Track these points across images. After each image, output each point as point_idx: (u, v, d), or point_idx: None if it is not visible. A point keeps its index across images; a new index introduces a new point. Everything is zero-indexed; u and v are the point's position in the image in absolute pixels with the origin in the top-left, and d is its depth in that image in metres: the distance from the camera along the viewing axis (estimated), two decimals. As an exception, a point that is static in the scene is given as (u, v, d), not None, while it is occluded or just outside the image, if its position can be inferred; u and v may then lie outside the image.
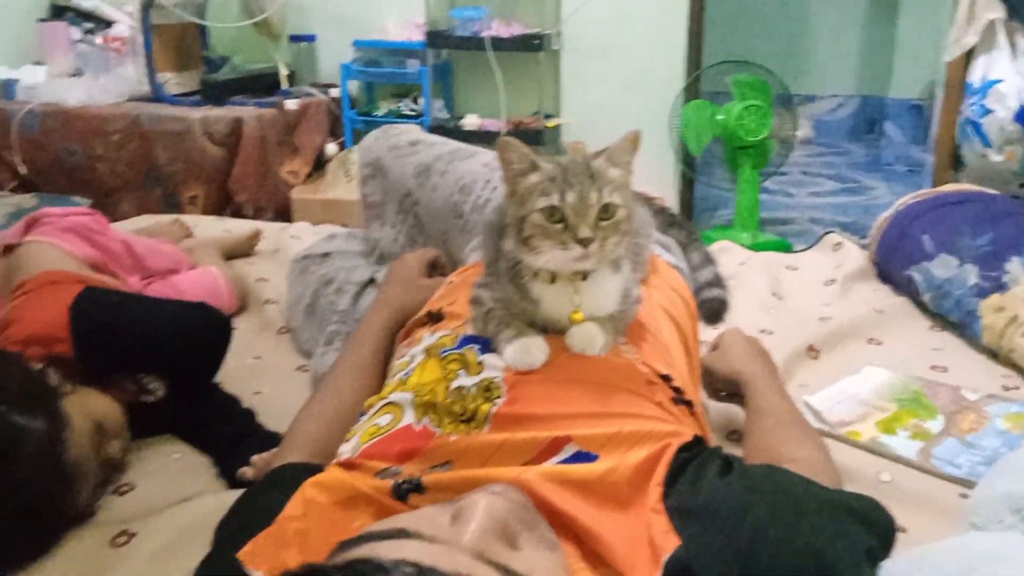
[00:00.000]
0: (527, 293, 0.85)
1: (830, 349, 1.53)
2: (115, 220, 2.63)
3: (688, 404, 0.89)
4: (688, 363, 1.04)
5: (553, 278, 0.84)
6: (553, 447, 0.76)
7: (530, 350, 0.83)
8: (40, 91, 2.99)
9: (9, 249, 1.43)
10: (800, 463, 0.85)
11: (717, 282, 1.23)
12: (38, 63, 3.17)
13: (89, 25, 3.15)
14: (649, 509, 0.70)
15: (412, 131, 1.55)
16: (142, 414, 1.18)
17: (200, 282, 1.60)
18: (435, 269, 1.25)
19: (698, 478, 0.73)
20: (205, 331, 1.24)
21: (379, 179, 1.50)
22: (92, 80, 3.04)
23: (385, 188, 1.49)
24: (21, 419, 0.96)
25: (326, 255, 1.56)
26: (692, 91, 3.07)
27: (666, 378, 0.89)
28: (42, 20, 3.17)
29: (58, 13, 3.25)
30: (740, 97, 2.85)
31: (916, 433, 1.22)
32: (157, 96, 3.04)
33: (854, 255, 1.92)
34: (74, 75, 3.10)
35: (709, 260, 1.25)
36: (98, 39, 3.13)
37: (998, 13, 1.95)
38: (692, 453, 0.76)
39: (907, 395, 1.33)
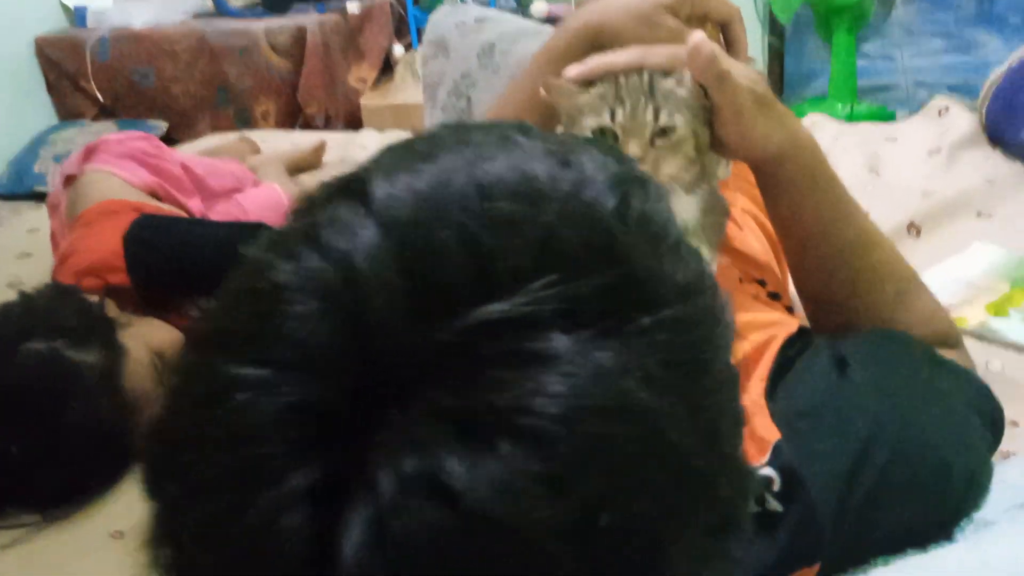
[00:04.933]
0: None
1: (933, 226, 1.39)
2: (192, 140, 2.68)
3: (788, 309, 0.81)
4: (781, 269, 0.94)
5: None
6: None
7: None
8: (108, 16, 2.98)
9: (71, 180, 1.43)
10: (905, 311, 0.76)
11: None
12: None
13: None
14: (750, 401, 0.63)
15: (480, 8, 1.47)
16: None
17: (263, 201, 1.57)
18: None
19: (805, 376, 0.65)
20: None
21: (440, 59, 1.43)
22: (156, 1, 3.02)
23: (444, 69, 1.42)
24: (76, 354, 0.97)
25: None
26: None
27: (760, 283, 0.82)
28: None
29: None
30: (832, -47, 2.59)
31: None
32: (220, 10, 2.99)
33: (962, 120, 1.73)
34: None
35: None
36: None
37: None
38: (797, 349, 0.68)
39: (1021, 273, 1.20)
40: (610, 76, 0.72)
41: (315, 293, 0.29)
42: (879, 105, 2.85)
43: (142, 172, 1.43)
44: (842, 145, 1.71)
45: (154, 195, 1.41)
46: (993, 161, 1.59)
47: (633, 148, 0.69)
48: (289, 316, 0.28)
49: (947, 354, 0.72)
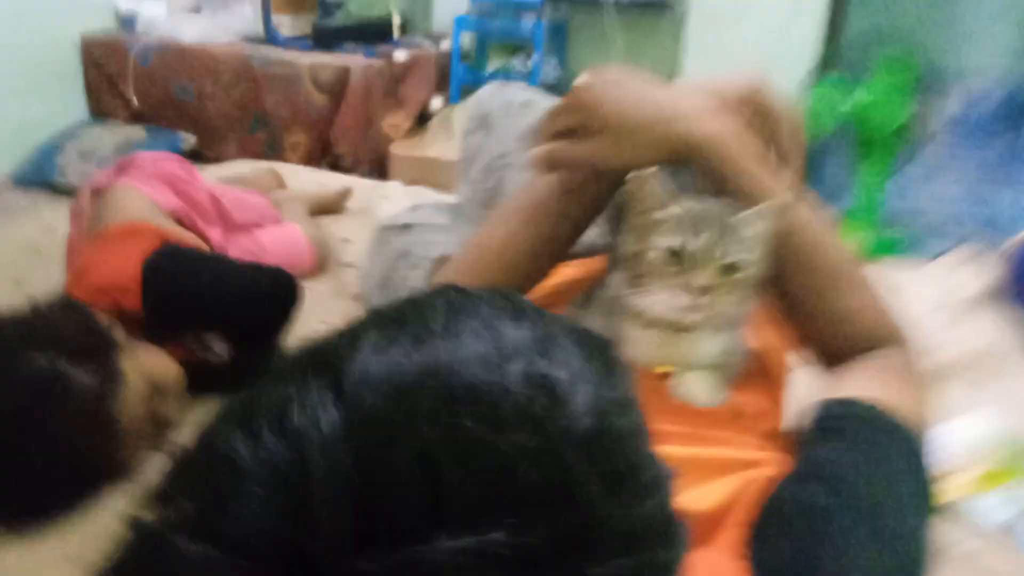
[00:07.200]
0: (616, 330, 0.77)
1: (933, 384, 1.37)
2: (217, 160, 2.68)
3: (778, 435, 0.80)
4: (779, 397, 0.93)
5: (649, 324, 0.76)
6: None
7: None
8: (158, 26, 3.02)
9: (98, 192, 1.42)
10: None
11: None
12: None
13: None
14: (731, 552, 0.60)
15: (528, 91, 1.48)
16: (204, 375, 1.16)
17: (282, 239, 1.57)
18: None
19: (791, 525, 0.62)
20: (276, 299, 1.22)
21: (480, 134, 1.43)
22: (209, 17, 3.06)
23: (483, 145, 1.42)
24: (73, 371, 0.96)
25: (406, 226, 1.49)
26: (826, 68, 2.85)
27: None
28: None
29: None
30: (879, 79, 2.62)
31: (1013, 497, 1.09)
32: (269, 38, 3.03)
33: (975, 279, 1.72)
34: (192, 11, 3.12)
35: None
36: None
37: None
38: (782, 495, 0.64)
39: (1008, 451, 1.18)
40: (687, 197, 0.74)
41: (269, 481, 0.30)
42: (895, 238, 2.86)
43: (171, 196, 1.42)
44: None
45: (178, 220, 1.41)
46: (999, 327, 1.57)
47: (701, 279, 0.70)
48: (242, 498, 0.29)
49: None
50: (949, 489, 1.10)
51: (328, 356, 0.34)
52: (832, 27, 2.87)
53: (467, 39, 3.33)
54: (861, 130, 2.71)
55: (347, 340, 0.35)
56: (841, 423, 0.70)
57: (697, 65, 3.15)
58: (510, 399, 0.32)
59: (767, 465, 0.68)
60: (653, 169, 0.74)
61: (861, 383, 0.75)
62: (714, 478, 0.66)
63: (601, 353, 0.38)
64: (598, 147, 0.77)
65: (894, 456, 0.67)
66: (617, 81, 0.79)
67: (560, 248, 0.89)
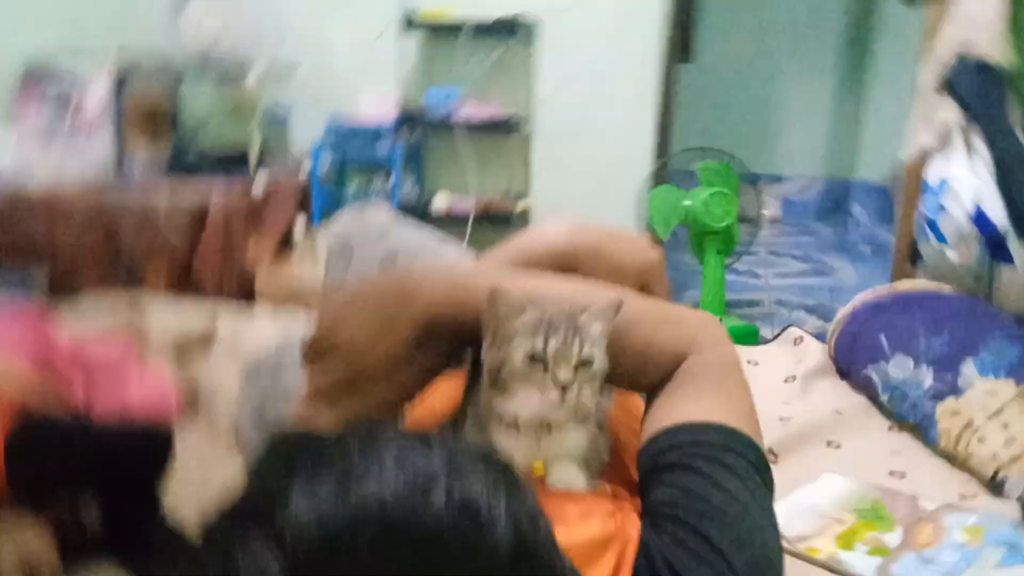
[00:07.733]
0: (489, 440, 0.84)
1: (789, 453, 1.51)
2: (73, 295, 2.61)
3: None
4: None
5: (517, 428, 0.83)
6: None
7: None
8: (4, 162, 2.95)
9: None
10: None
11: None
12: (6, 123, 3.12)
13: (61, 92, 3.12)
14: None
15: (385, 216, 1.55)
16: (78, 540, 1.14)
17: (148, 387, 1.56)
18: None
19: None
20: (148, 458, 1.21)
21: (341, 264, 1.47)
22: (59, 151, 3.01)
23: (343, 275, 1.47)
24: None
25: (277, 361, 1.52)
26: (660, 176, 3.11)
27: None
28: (17, 79, 3.13)
29: (33, 76, 3.21)
30: (707, 183, 2.88)
31: (874, 548, 1.20)
32: (123, 171, 3.02)
33: (814, 350, 1.92)
34: (42, 143, 3.07)
35: None
36: (70, 108, 3.10)
37: (953, 115, 1.99)
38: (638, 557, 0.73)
39: (865, 505, 1.31)
40: (538, 304, 0.82)
41: None
42: (745, 322, 3.09)
43: (28, 349, 1.40)
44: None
45: (38, 369, 1.38)
46: (840, 392, 1.75)
47: (564, 374, 0.78)
48: None
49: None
50: (821, 546, 1.19)
51: (261, 507, 0.37)
52: (661, 145, 3.15)
53: (325, 162, 3.43)
54: (695, 230, 2.94)
55: (276, 488, 0.38)
56: (670, 456, 0.79)
57: (546, 178, 3.36)
58: (439, 527, 0.36)
59: (627, 536, 0.74)
60: (508, 283, 0.82)
61: (678, 405, 0.84)
62: (603, 554, 0.72)
63: (503, 469, 0.44)
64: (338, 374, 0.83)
65: (727, 472, 0.76)
66: (343, 303, 0.87)
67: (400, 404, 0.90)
